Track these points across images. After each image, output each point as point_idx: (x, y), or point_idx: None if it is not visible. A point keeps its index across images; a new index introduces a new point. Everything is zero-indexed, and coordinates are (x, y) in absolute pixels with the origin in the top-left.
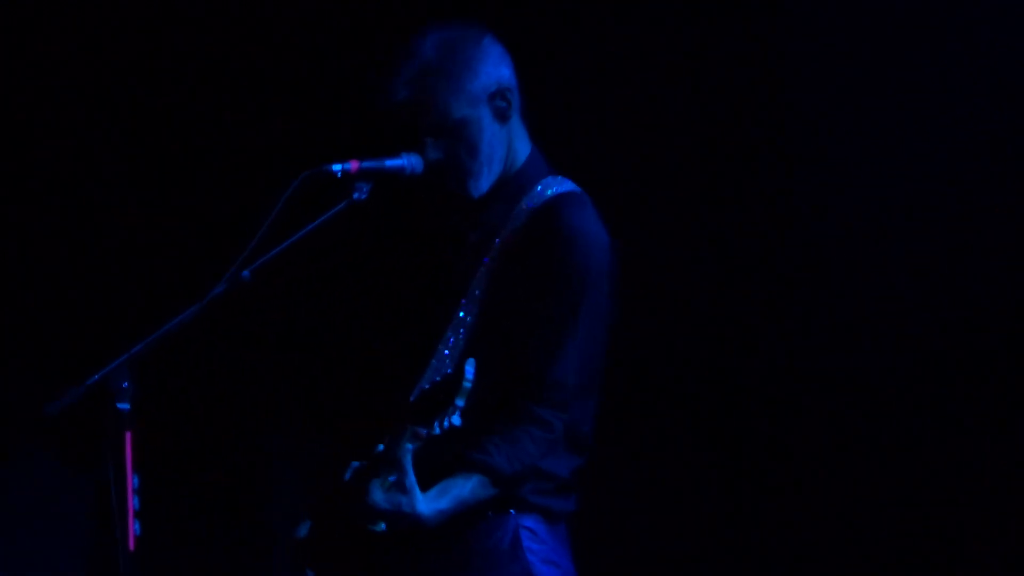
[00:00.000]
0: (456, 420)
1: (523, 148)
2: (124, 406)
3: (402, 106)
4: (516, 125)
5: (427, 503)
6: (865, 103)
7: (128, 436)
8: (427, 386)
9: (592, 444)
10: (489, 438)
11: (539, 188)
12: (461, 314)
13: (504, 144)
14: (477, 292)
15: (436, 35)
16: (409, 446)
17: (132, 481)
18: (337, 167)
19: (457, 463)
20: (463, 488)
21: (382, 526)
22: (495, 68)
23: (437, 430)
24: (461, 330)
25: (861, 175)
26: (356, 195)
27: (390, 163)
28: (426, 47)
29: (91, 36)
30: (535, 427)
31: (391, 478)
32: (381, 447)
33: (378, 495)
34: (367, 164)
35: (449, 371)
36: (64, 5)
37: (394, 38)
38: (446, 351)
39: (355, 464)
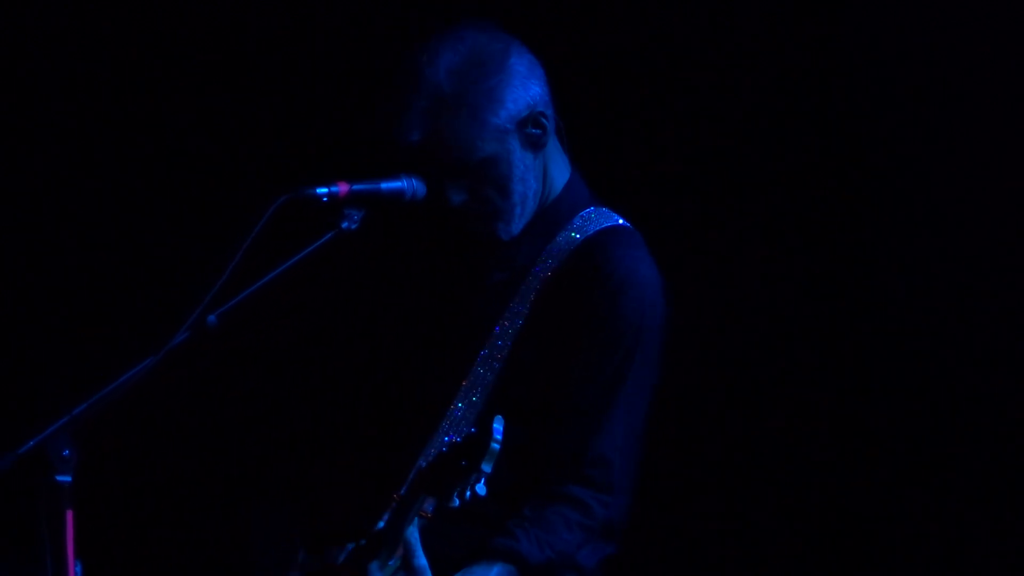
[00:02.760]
0: (481, 489)
1: (560, 175)
2: (65, 479)
3: (415, 146)
4: (552, 149)
5: None
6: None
7: (69, 515)
8: (444, 448)
9: (625, 525)
10: (516, 521)
11: (579, 222)
12: (480, 369)
13: (539, 176)
14: (500, 343)
15: (449, 57)
16: (417, 520)
17: (74, 570)
18: (323, 190)
19: (478, 550)
20: None
21: None
22: (524, 90)
23: (456, 502)
24: (479, 388)
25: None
26: (345, 224)
27: (386, 186)
28: (439, 75)
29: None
30: (572, 510)
31: (393, 560)
32: (382, 524)
33: None
34: (359, 187)
35: (473, 430)
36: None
37: (396, 39)
38: (458, 412)
39: (351, 544)
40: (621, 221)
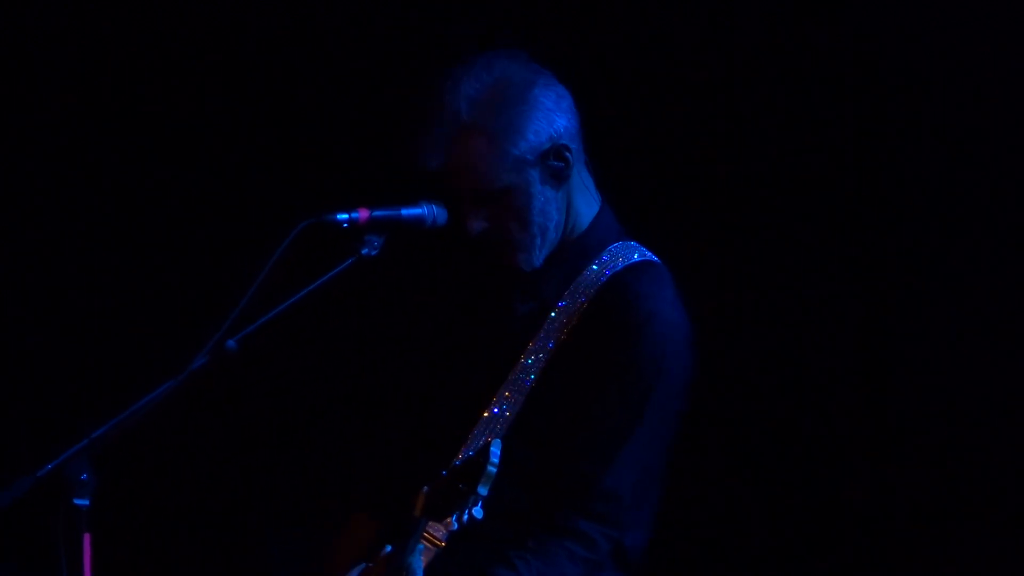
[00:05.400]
0: (478, 512)
1: (588, 208)
2: (83, 502)
3: (437, 173)
4: (578, 183)
5: None
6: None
7: (87, 539)
8: (445, 473)
9: (643, 560)
10: (518, 552)
11: (606, 257)
12: (503, 401)
13: (561, 209)
14: (524, 376)
15: (472, 85)
16: (421, 547)
17: None
18: (343, 216)
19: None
20: None
21: None
22: (547, 123)
23: (455, 525)
24: (501, 419)
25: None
26: (366, 250)
27: (407, 212)
28: (460, 102)
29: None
30: (576, 544)
31: None
32: (389, 548)
33: None
34: (379, 213)
35: (471, 453)
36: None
37: (420, 66)
38: (480, 442)
39: (360, 567)
40: (650, 256)
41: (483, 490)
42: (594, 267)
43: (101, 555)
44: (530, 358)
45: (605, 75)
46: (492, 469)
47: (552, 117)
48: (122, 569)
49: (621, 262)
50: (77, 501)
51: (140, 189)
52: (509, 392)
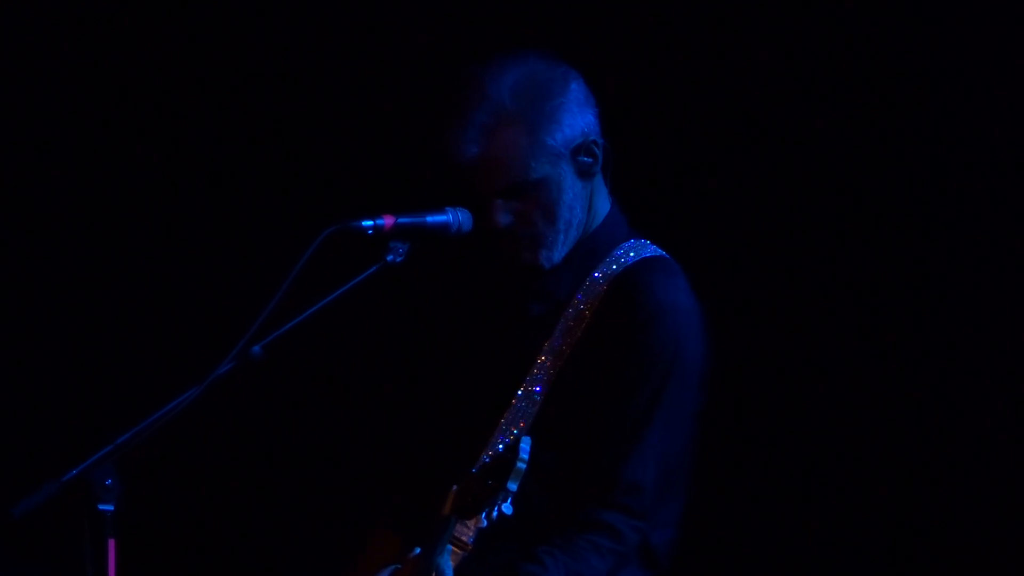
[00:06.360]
0: (507, 508)
1: (603, 206)
2: (107, 508)
3: (471, 162)
4: (599, 181)
5: None
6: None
7: (112, 544)
8: (474, 470)
9: (671, 560)
10: (546, 548)
11: (617, 253)
12: (521, 403)
13: (585, 206)
14: (541, 376)
15: (514, 75)
16: (450, 548)
17: None
18: (368, 223)
19: (505, 574)
20: None
21: None
22: (580, 117)
23: (484, 522)
24: (520, 422)
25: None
26: (391, 257)
27: (432, 219)
28: (502, 91)
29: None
30: (603, 536)
31: None
32: (418, 549)
33: None
34: (404, 220)
35: (500, 448)
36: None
37: (443, 73)
38: (500, 445)
39: (389, 568)
40: (660, 252)
41: (513, 486)
42: (606, 265)
43: (126, 560)
44: (545, 359)
45: (614, 72)
46: (522, 465)
47: (584, 112)
48: (147, 574)
49: (631, 257)
50: (102, 506)
51: (166, 195)
52: (527, 394)
